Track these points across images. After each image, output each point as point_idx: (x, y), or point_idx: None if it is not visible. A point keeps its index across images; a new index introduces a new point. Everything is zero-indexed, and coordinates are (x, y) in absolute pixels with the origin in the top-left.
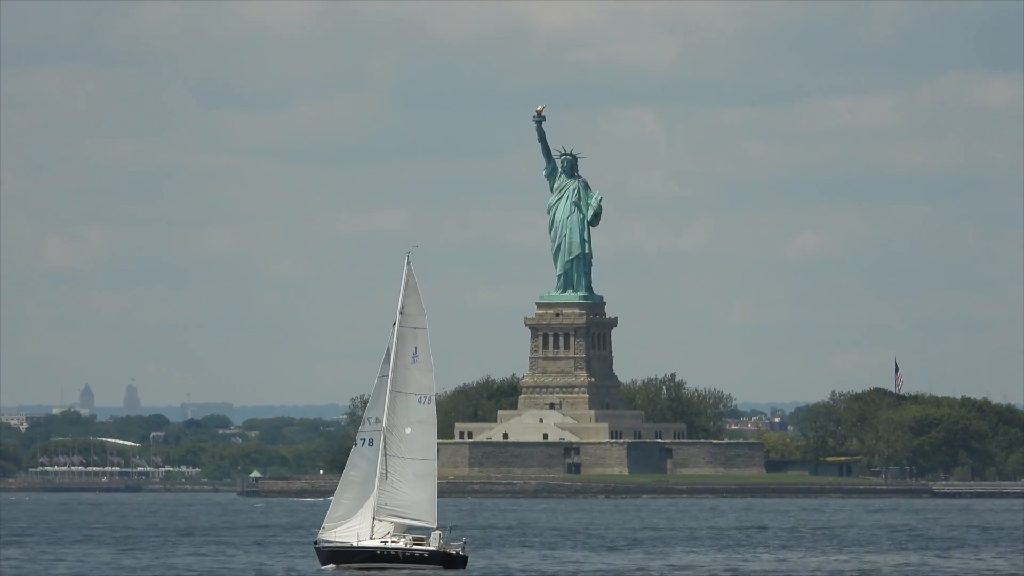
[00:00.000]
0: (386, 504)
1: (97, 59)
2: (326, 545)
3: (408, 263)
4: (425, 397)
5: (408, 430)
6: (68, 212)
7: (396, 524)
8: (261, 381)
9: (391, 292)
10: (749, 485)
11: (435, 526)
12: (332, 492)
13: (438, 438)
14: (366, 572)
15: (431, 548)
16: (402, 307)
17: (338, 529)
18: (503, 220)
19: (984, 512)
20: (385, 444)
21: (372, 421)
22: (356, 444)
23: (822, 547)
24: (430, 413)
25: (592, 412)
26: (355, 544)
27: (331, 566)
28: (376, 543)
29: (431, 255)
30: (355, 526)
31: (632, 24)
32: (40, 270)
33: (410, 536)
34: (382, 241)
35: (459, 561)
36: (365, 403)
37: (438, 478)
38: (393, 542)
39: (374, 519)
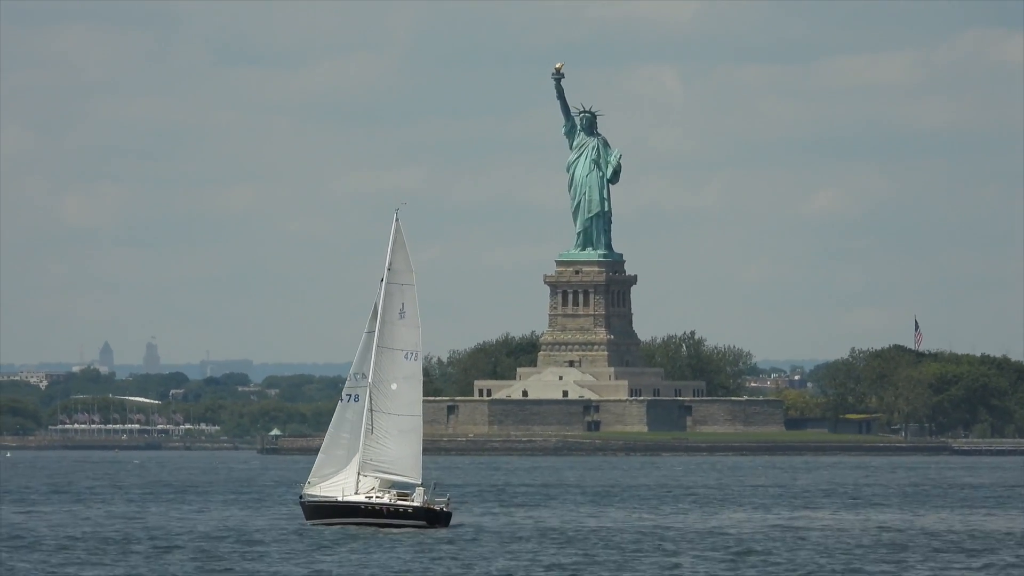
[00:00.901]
0: (371, 459)
1: (114, 17)
2: (311, 500)
3: (396, 220)
4: (412, 353)
5: (394, 386)
6: (86, 170)
7: (381, 480)
8: (280, 338)
9: (410, 248)
10: (769, 443)
11: (419, 482)
12: None
13: (458, 396)
14: (350, 527)
15: (415, 504)
16: (390, 263)
17: (323, 484)
18: (522, 178)
19: (984, 469)
20: (371, 399)
21: (358, 377)
22: (342, 400)
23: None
24: (416, 369)
25: (612, 370)
26: (340, 499)
27: (316, 521)
28: (361, 498)
29: (449, 212)
30: (340, 481)
31: None
32: (58, 228)
33: (394, 492)
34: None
35: (443, 518)
36: None
37: (458, 436)
38: (378, 497)
39: (359, 474)
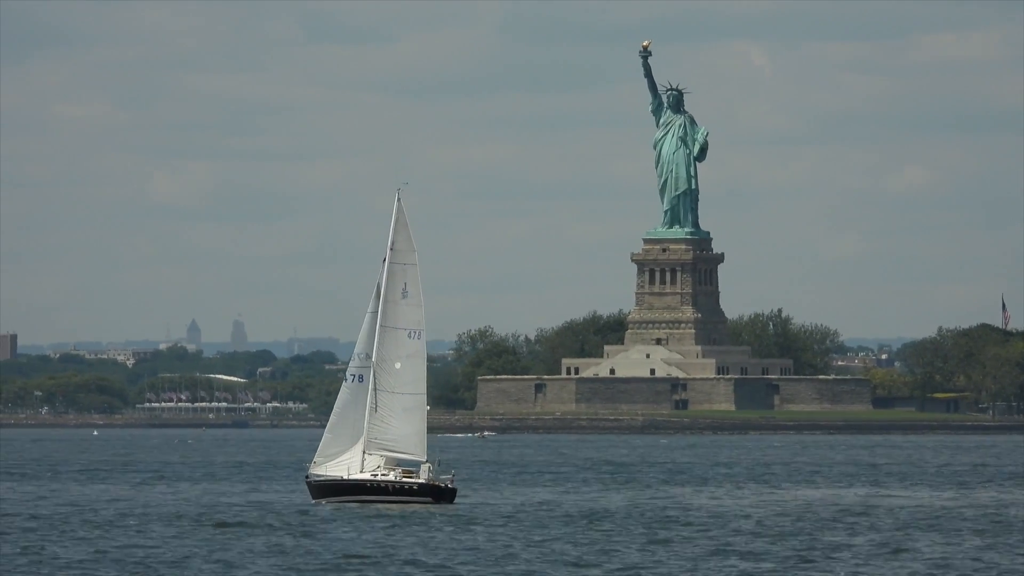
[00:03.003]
0: (376, 438)
1: None
2: (317, 479)
3: (398, 200)
4: (415, 332)
5: (397, 365)
6: (173, 147)
7: (386, 458)
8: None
9: (495, 226)
10: (856, 422)
11: (424, 459)
12: (440, 428)
13: (545, 374)
14: (357, 504)
15: (420, 481)
16: (392, 243)
17: (329, 463)
18: (609, 154)
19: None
20: (375, 379)
21: (362, 357)
22: (346, 380)
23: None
24: (419, 348)
25: (699, 348)
26: (345, 477)
27: (323, 500)
28: (366, 476)
29: (536, 189)
30: (345, 460)
31: None
32: (146, 205)
33: (400, 469)
34: (486, 175)
35: (448, 494)
36: (472, 338)
37: (545, 414)
38: (383, 475)
39: (364, 453)
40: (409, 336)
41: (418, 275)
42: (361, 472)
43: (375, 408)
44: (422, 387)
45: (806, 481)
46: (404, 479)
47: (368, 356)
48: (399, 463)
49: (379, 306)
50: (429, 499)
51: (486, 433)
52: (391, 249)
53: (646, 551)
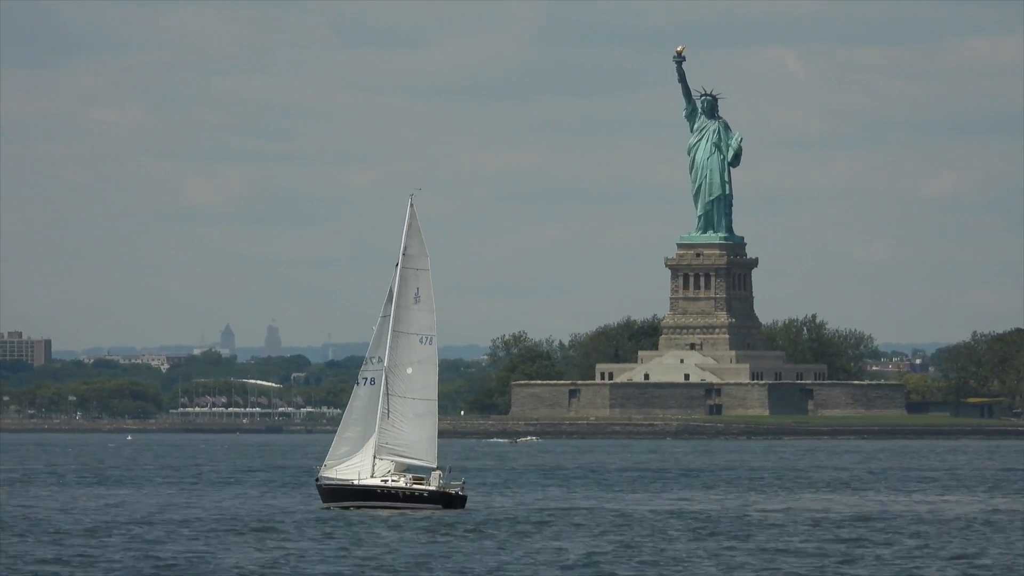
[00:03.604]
0: (387, 443)
1: None
2: (327, 483)
3: (411, 205)
4: (427, 337)
5: (409, 370)
6: (206, 151)
7: (396, 463)
8: None
9: (529, 230)
10: (890, 427)
11: (435, 466)
12: (474, 433)
13: (580, 380)
14: (366, 510)
15: (431, 488)
16: (405, 248)
17: (339, 467)
18: (643, 159)
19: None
20: (387, 383)
21: (374, 361)
22: (358, 384)
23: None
24: (431, 353)
25: (733, 353)
26: (356, 482)
27: (332, 504)
28: (376, 481)
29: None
30: (356, 464)
31: None
32: (179, 209)
33: (410, 476)
34: (520, 179)
35: (458, 501)
36: (506, 343)
37: (579, 419)
38: (393, 480)
39: (375, 457)
40: (421, 341)
41: (430, 280)
42: (372, 476)
43: (387, 413)
44: (433, 393)
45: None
46: (415, 486)
47: (380, 360)
48: (409, 469)
49: (392, 311)
50: (439, 506)
51: (530, 438)
52: (403, 254)
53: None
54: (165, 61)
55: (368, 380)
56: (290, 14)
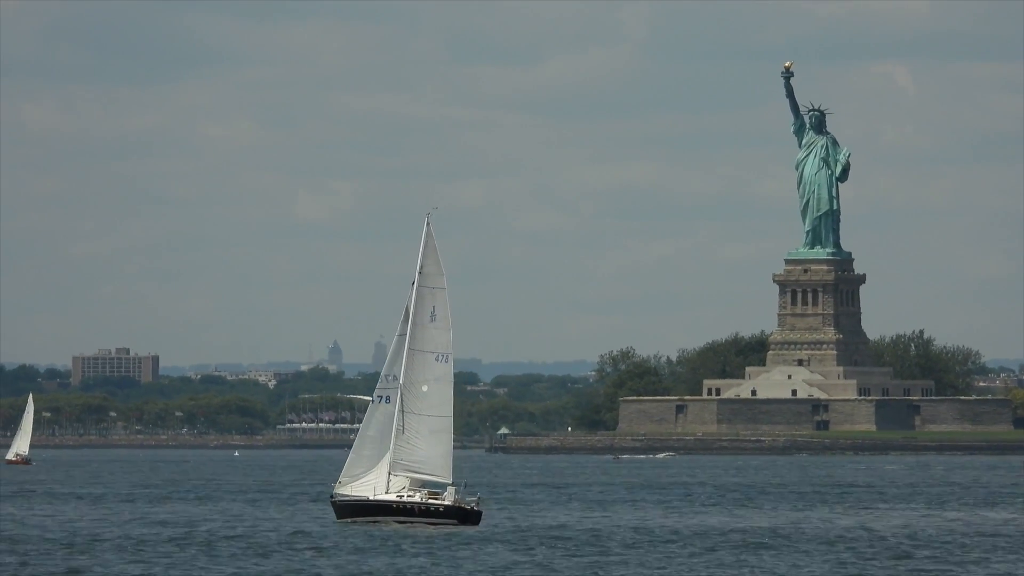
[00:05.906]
0: (402, 459)
1: (348, 12)
2: (343, 499)
3: (428, 224)
4: (442, 355)
5: (424, 387)
6: (318, 166)
7: (411, 479)
8: (510, 337)
9: (640, 245)
10: (997, 442)
11: (450, 481)
12: (580, 449)
13: (687, 395)
14: (382, 525)
15: (446, 503)
16: (421, 266)
17: (354, 484)
18: (751, 174)
19: None
20: (402, 401)
21: (390, 379)
22: (373, 401)
23: None
24: (447, 371)
25: (840, 369)
26: (371, 498)
27: (347, 520)
28: (392, 497)
29: (678, 209)
30: (371, 480)
31: None
32: (290, 224)
33: (426, 491)
34: (630, 194)
35: (473, 516)
36: (614, 359)
37: (686, 435)
38: (409, 496)
39: (390, 474)
40: (437, 359)
41: (447, 299)
42: (387, 493)
43: (402, 430)
44: (449, 410)
45: None
46: (430, 501)
47: (395, 378)
48: (424, 484)
49: (408, 329)
50: (455, 521)
51: (667, 454)
52: (420, 273)
53: None
54: (276, 76)
55: (384, 398)
56: (402, 29)
